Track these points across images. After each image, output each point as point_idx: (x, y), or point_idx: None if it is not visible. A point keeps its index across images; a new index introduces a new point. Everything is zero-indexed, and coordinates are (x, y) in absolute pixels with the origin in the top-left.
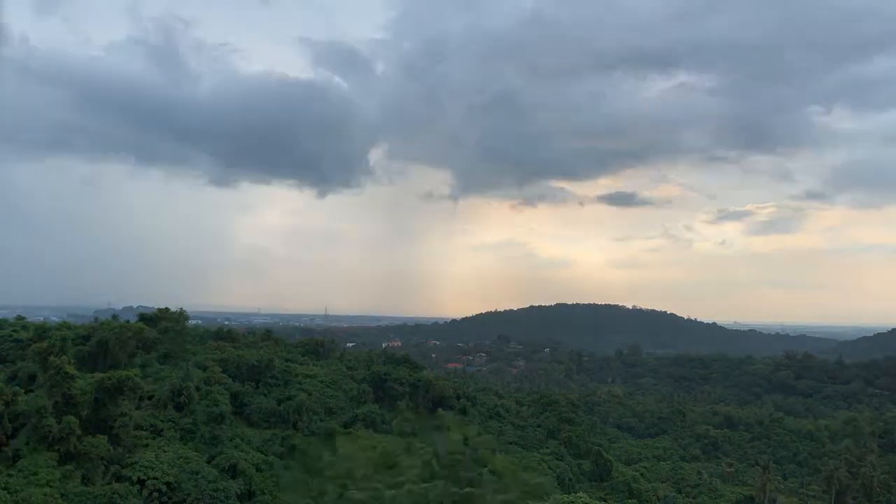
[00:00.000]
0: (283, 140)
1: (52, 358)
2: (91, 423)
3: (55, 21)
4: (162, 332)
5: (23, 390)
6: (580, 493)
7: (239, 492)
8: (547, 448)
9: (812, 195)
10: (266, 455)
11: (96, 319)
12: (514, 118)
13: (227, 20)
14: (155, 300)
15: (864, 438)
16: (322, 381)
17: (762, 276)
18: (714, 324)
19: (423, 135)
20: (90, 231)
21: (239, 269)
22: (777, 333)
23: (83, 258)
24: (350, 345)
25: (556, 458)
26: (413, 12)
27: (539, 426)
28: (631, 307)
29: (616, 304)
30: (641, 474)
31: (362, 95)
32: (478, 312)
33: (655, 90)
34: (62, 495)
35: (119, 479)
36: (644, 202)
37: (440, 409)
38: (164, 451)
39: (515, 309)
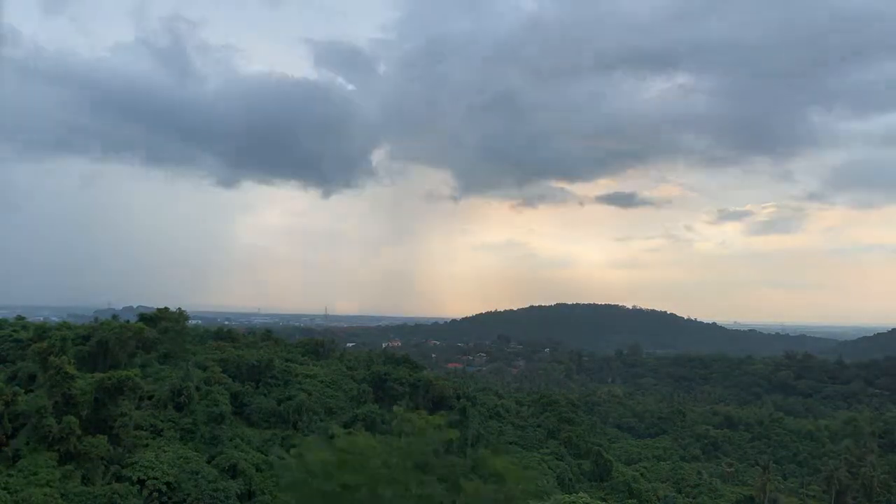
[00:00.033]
0: (285, 140)
1: (52, 358)
2: (91, 423)
3: (63, 21)
4: (162, 332)
5: (23, 390)
6: (580, 493)
7: (239, 492)
8: (547, 448)
9: (812, 195)
10: (266, 455)
11: (96, 319)
12: (515, 118)
13: (233, 21)
14: (155, 300)
15: (864, 438)
16: (322, 381)
17: (762, 276)
18: (714, 324)
19: (423, 135)
20: (90, 231)
21: (239, 269)
22: (777, 333)
23: (83, 258)
24: (350, 345)
25: (556, 458)
26: (415, 13)
27: (539, 426)
28: (631, 307)
29: (616, 304)
30: (641, 474)
31: (365, 96)
32: (478, 312)
33: (655, 90)
34: (62, 495)
35: (119, 479)
36: (644, 202)
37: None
38: (164, 451)
39: (515, 309)
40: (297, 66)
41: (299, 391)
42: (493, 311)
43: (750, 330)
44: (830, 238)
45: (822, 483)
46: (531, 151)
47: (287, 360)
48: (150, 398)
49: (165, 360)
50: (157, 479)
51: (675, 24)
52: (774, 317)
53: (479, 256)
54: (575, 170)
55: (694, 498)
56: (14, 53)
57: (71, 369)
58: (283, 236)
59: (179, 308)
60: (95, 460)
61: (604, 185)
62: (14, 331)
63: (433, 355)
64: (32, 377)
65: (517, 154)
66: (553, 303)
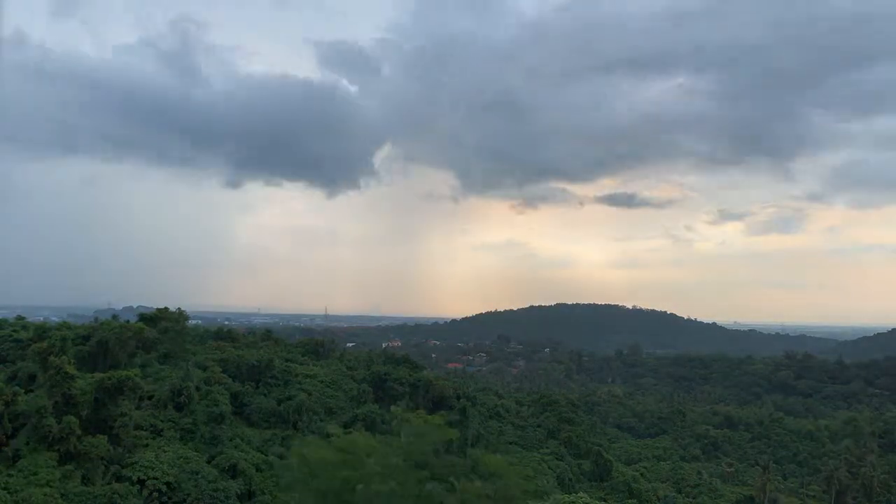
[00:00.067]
0: (287, 141)
1: (52, 358)
2: (91, 423)
3: (72, 23)
4: (162, 332)
5: (23, 390)
6: (580, 493)
7: (239, 492)
8: (547, 448)
9: (812, 195)
10: (266, 455)
11: (96, 319)
12: (516, 119)
13: (238, 22)
14: (155, 300)
15: (864, 438)
16: (322, 381)
17: (762, 276)
18: (714, 324)
19: (424, 135)
20: (90, 231)
21: (238, 269)
22: (777, 333)
23: (83, 258)
24: (350, 345)
25: (556, 458)
26: (416, 14)
27: (539, 426)
28: (631, 307)
29: (616, 304)
30: (641, 474)
31: (367, 97)
32: (478, 312)
33: (655, 91)
34: (62, 495)
35: (119, 479)
36: (644, 203)
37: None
38: (164, 451)
39: (515, 309)
40: (299, 66)
41: (299, 391)
42: (493, 311)
43: (750, 330)
44: (830, 238)
45: (822, 483)
46: (532, 152)
47: (287, 360)
48: (150, 398)
49: (165, 360)
50: (157, 479)
51: (676, 26)
52: (774, 317)
53: (480, 256)
54: (575, 170)
55: (694, 498)
56: (18, 55)
57: (71, 369)
58: (283, 236)
59: (179, 308)
60: (95, 460)
61: (604, 186)
62: (14, 331)
63: (433, 355)
64: (32, 377)
65: (518, 154)
66: (553, 303)
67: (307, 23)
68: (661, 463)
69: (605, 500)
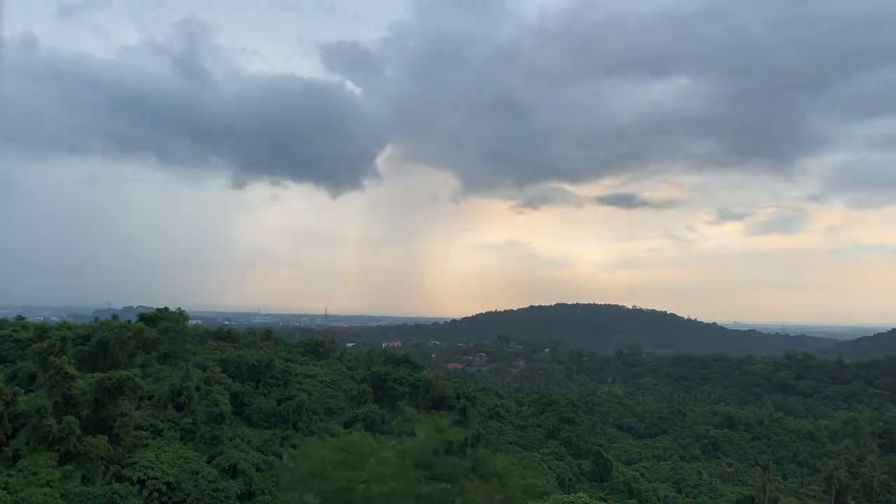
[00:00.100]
0: (291, 141)
1: (52, 358)
2: (91, 423)
3: (79, 25)
4: (162, 332)
5: (23, 390)
6: (580, 493)
7: (239, 492)
8: (547, 448)
9: (812, 196)
10: (266, 455)
11: (96, 319)
12: (517, 119)
13: (242, 23)
14: (155, 300)
15: (864, 438)
16: (322, 381)
17: (762, 276)
18: (714, 324)
19: (425, 136)
20: (90, 231)
21: (239, 269)
22: (777, 333)
23: (83, 258)
24: (350, 345)
25: (556, 458)
26: (417, 15)
27: (539, 426)
28: (631, 307)
29: (616, 304)
30: (641, 474)
31: (370, 97)
32: (478, 312)
33: (656, 92)
34: (62, 495)
35: (119, 479)
36: (644, 203)
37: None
38: (164, 451)
39: (515, 309)
40: (303, 67)
41: (299, 391)
42: (493, 311)
43: (750, 330)
44: (830, 238)
45: (822, 483)
46: (533, 152)
47: (287, 360)
48: (150, 398)
49: (165, 360)
50: (157, 479)
51: (676, 26)
52: (774, 317)
53: (480, 256)
54: (576, 171)
55: (694, 498)
56: (19, 55)
57: (71, 369)
58: (283, 237)
59: (179, 308)
60: (95, 460)
61: (605, 186)
62: (14, 331)
63: (433, 355)
64: (32, 377)
65: (519, 155)
66: (553, 303)
67: (312, 24)
68: (661, 463)
69: (605, 500)
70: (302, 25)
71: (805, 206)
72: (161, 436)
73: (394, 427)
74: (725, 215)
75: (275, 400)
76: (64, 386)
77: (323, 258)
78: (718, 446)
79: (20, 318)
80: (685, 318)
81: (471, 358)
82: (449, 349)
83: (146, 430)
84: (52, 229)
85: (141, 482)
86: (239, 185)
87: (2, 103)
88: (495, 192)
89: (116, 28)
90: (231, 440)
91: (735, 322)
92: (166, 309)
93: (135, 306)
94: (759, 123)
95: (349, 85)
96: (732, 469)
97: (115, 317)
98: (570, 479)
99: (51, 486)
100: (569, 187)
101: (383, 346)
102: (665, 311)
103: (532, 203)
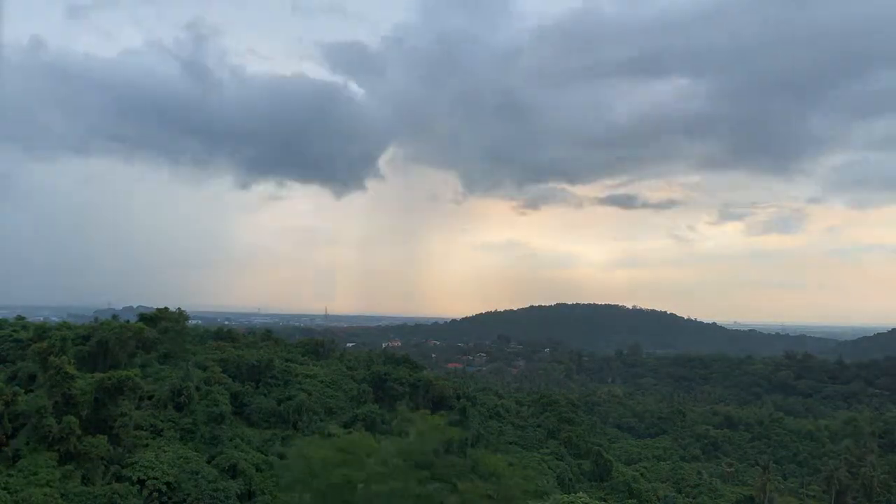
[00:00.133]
0: (295, 142)
1: (52, 358)
2: (91, 423)
3: (86, 27)
4: (162, 332)
5: (23, 390)
6: (580, 493)
7: (239, 492)
8: (547, 448)
9: (812, 195)
10: (266, 455)
11: (96, 319)
12: (518, 120)
13: (250, 25)
14: (155, 300)
15: (864, 438)
16: (322, 381)
17: (762, 276)
18: (714, 324)
19: (427, 137)
20: (90, 231)
21: (239, 269)
22: (777, 333)
23: (83, 258)
24: (350, 345)
25: (556, 458)
26: (418, 17)
27: (539, 426)
28: (631, 307)
29: (616, 304)
30: (641, 474)
31: (374, 99)
32: (478, 312)
33: (656, 93)
34: (62, 495)
35: (119, 479)
36: (645, 204)
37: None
38: (164, 451)
39: (515, 309)
40: (305, 68)
41: (299, 391)
42: (493, 311)
43: (750, 330)
44: (830, 238)
45: (822, 483)
46: (534, 153)
47: (287, 360)
48: (150, 398)
49: (165, 360)
50: (157, 479)
51: (676, 28)
52: (774, 317)
53: (480, 256)
54: (577, 171)
55: (694, 498)
56: (28, 57)
57: (71, 369)
58: (284, 237)
59: (179, 308)
60: (95, 460)
61: (605, 186)
62: (14, 331)
63: (433, 355)
64: (32, 377)
65: (520, 155)
66: (553, 303)
67: (316, 25)
68: (661, 463)
69: (605, 500)
70: (306, 26)
71: (805, 206)
72: (161, 436)
73: (393, 427)
74: (725, 215)
75: (275, 400)
76: (64, 386)
77: (323, 258)
78: (718, 446)
79: (20, 318)
80: (685, 318)
81: (471, 358)
82: (449, 349)
83: (146, 430)
84: (52, 229)
85: (141, 482)
86: (244, 185)
87: (2, 103)
88: (496, 192)
89: (123, 29)
90: (231, 440)
91: (735, 322)
92: (166, 309)
93: (135, 306)
94: (759, 123)
95: (353, 86)
96: (732, 469)
97: (115, 317)
98: (570, 479)
99: (51, 486)
100: (569, 188)
101: (383, 346)
102: (665, 311)
103: (532, 203)
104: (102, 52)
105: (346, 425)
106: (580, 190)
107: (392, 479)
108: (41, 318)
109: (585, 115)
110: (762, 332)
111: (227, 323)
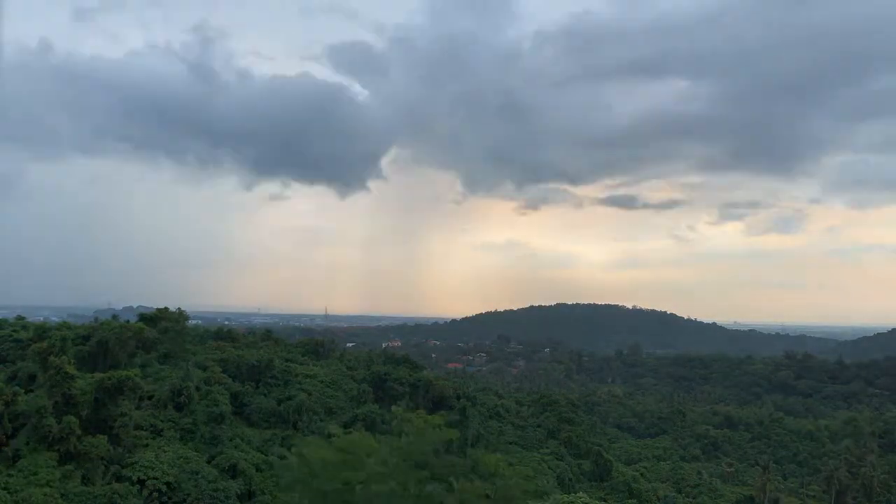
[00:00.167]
0: (298, 143)
1: (52, 358)
2: (91, 423)
3: (93, 29)
4: (162, 332)
5: (23, 390)
6: (580, 493)
7: (239, 492)
8: (547, 448)
9: (812, 196)
10: (266, 455)
11: (96, 319)
12: (518, 121)
13: (255, 26)
14: (155, 300)
15: (864, 438)
16: (322, 381)
17: (762, 276)
18: (714, 324)
19: (429, 137)
20: (90, 231)
21: (239, 269)
22: (777, 333)
23: (83, 258)
24: (350, 345)
25: (556, 458)
26: (419, 18)
27: (539, 426)
28: (631, 307)
29: (616, 304)
30: (641, 474)
31: (375, 99)
32: (478, 312)
33: (657, 94)
34: (62, 495)
35: (119, 479)
36: (645, 204)
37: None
38: (164, 451)
39: (515, 309)
40: (310, 68)
41: (299, 391)
42: (493, 311)
43: (750, 330)
44: (830, 238)
45: (822, 483)
46: (534, 153)
47: (287, 360)
48: (150, 398)
49: (165, 360)
50: (157, 479)
51: (677, 30)
52: (774, 317)
53: (480, 256)
54: (577, 172)
55: (694, 498)
56: (35, 58)
57: (71, 369)
58: (285, 237)
59: (179, 308)
60: (95, 460)
61: (605, 187)
62: (14, 331)
63: (433, 355)
64: (32, 377)
65: (520, 156)
66: (553, 303)
67: (321, 25)
68: (661, 463)
69: (605, 500)
70: (311, 27)
71: (805, 206)
72: (161, 436)
73: (393, 427)
74: (725, 216)
75: (275, 400)
76: (64, 386)
77: (324, 258)
78: (718, 446)
79: (20, 318)
80: (685, 318)
81: (471, 358)
82: (449, 349)
83: (146, 430)
84: (53, 229)
85: (141, 482)
86: (248, 186)
87: (2, 103)
88: (497, 192)
89: (130, 32)
90: (231, 440)
91: (735, 322)
92: (166, 309)
93: (135, 306)
94: (759, 124)
95: (357, 87)
96: (732, 469)
97: (115, 317)
98: (570, 479)
99: (51, 486)
100: (569, 188)
101: (383, 346)
102: (665, 311)
103: (533, 203)
104: (109, 54)
105: (346, 425)
106: (580, 190)
107: (392, 480)
108: (41, 318)
109: (586, 115)
110: (762, 332)
111: (227, 323)
